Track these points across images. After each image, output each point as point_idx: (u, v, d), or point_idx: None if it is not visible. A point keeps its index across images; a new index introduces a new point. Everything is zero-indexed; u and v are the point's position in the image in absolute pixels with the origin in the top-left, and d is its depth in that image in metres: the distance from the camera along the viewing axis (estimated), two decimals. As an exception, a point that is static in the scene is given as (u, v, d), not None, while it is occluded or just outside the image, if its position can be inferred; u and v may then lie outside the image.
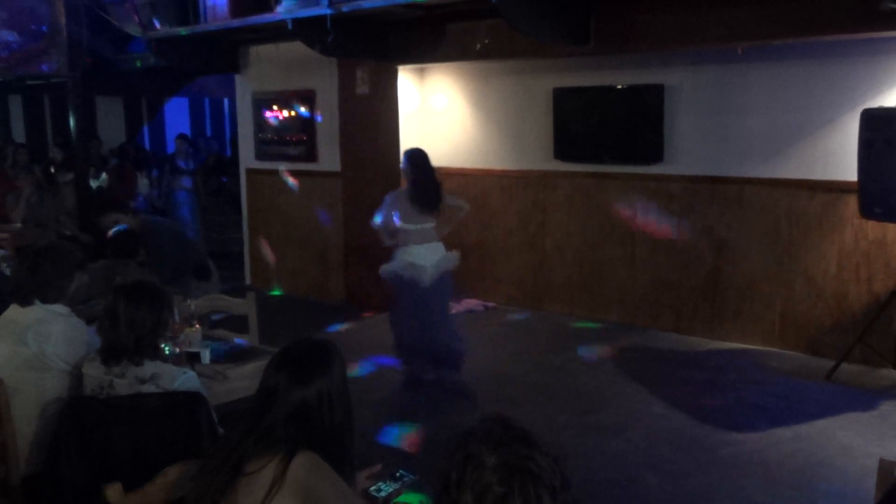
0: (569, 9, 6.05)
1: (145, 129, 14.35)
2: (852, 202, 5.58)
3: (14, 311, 3.17)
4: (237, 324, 4.56)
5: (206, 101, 14.94)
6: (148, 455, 2.60)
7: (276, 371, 2.14)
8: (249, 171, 8.88)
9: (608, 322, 7.17)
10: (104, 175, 9.95)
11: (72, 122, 9.34)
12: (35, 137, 12.75)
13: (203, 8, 7.86)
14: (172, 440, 2.65)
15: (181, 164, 10.70)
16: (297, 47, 7.29)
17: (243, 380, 3.34)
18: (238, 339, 4.09)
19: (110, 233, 5.23)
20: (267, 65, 8.48)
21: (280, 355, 2.20)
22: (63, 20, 9.08)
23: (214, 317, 4.65)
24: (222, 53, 8.61)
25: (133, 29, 8.90)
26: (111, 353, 2.79)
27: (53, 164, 9.75)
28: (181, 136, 11.21)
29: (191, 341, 3.64)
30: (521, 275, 7.82)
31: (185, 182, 10.66)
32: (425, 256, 5.26)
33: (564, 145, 7.34)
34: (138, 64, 10.07)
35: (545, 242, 7.62)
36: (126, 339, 2.76)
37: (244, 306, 4.48)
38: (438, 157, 8.31)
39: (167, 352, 3.28)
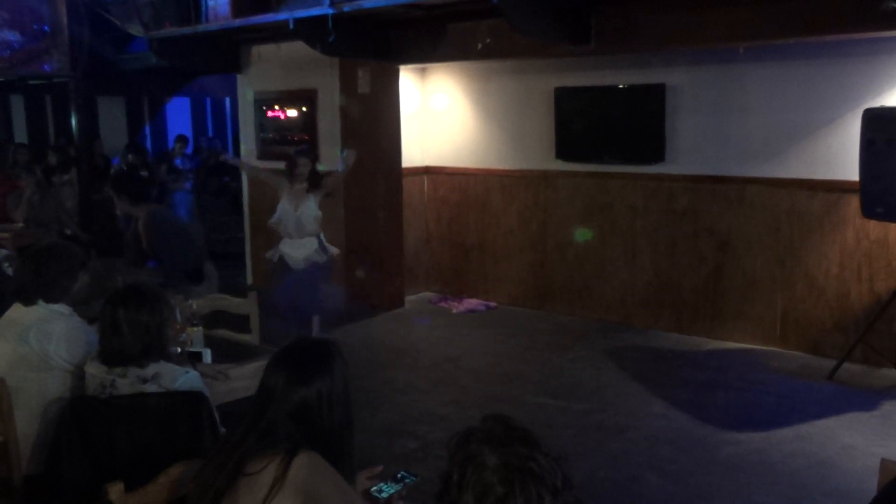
0: (569, 9, 6.05)
1: (147, 129, 14.36)
2: (854, 202, 5.58)
3: (16, 310, 3.17)
4: (238, 323, 4.56)
5: (208, 100, 14.94)
6: (150, 455, 2.60)
7: (276, 370, 2.13)
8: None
9: (609, 322, 7.17)
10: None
11: (73, 121, 9.35)
12: (37, 137, 12.77)
13: (204, 8, 7.86)
14: (174, 440, 2.65)
15: (178, 163, 10.69)
16: (298, 47, 7.29)
17: (244, 379, 3.34)
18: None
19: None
20: (268, 65, 8.48)
21: (281, 354, 2.19)
22: (64, 20, 9.09)
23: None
24: (223, 53, 8.61)
25: (134, 29, 8.90)
26: (115, 360, 2.77)
27: (49, 166, 9.77)
28: (180, 138, 11.22)
29: (192, 341, 3.65)
30: (522, 274, 7.82)
31: (184, 182, 10.66)
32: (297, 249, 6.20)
33: (566, 145, 7.34)
34: (149, 63, 10.06)
35: (546, 242, 7.62)
36: (132, 347, 2.75)
37: (245, 306, 4.47)
38: (439, 156, 8.36)
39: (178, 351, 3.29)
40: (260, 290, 5.99)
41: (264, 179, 6.83)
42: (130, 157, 10.85)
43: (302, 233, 6.12)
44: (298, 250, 6.14)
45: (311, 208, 6.11)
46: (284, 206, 6.10)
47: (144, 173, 10.01)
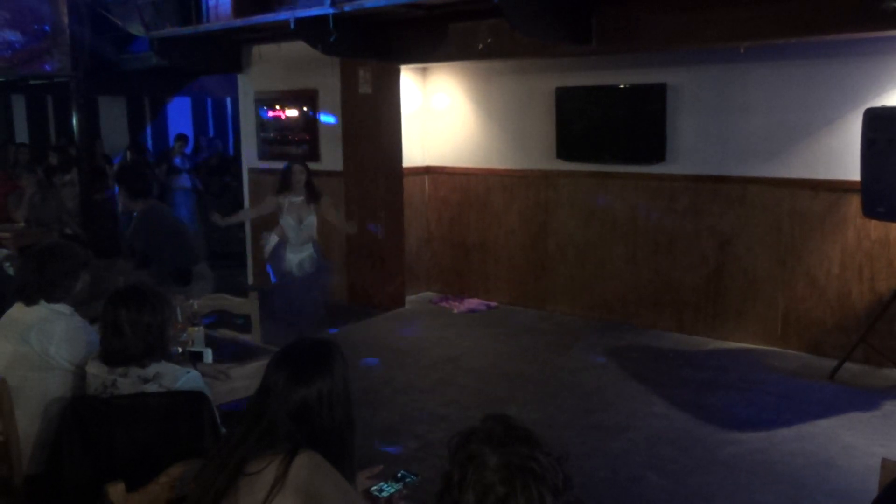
0: (570, 8, 6.05)
1: (148, 129, 14.37)
2: (855, 201, 5.58)
3: (18, 309, 3.17)
4: (239, 323, 4.56)
5: (209, 100, 14.95)
6: (150, 454, 2.60)
7: (276, 370, 2.13)
8: (252, 171, 8.89)
9: (610, 322, 7.17)
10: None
11: (74, 121, 9.36)
12: (38, 137, 12.78)
13: (205, 7, 7.87)
14: (175, 439, 2.65)
15: (177, 162, 10.68)
16: (299, 47, 7.30)
17: (245, 379, 3.34)
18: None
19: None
20: (269, 64, 8.49)
21: (281, 354, 2.19)
22: (66, 20, 9.09)
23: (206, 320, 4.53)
24: (225, 53, 8.61)
25: (135, 28, 8.91)
26: (117, 360, 2.77)
27: (50, 166, 9.78)
28: (180, 137, 11.21)
29: (193, 340, 3.65)
30: (522, 274, 7.82)
31: (184, 182, 10.65)
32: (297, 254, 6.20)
33: (567, 145, 7.34)
34: (150, 63, 10.07)
35: (547, 242, 7.62)
36: (134, 347, 2.75)
37: (246, 306, 4.48)
38: (440, 156, 8.36)
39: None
40: (260, 290, 5.99)
41: (265, 211, 6.56)
42: (129, 154, 10.87)
43: (304, 241, 6.13)
44: (299, 255, 6.15)
45: (313, 220, 6.13)
46: (288, 220, 6.07)
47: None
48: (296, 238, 6.11)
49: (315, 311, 6.25)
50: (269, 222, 6.53)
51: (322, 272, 6.28)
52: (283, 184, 6.11)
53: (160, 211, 5.70)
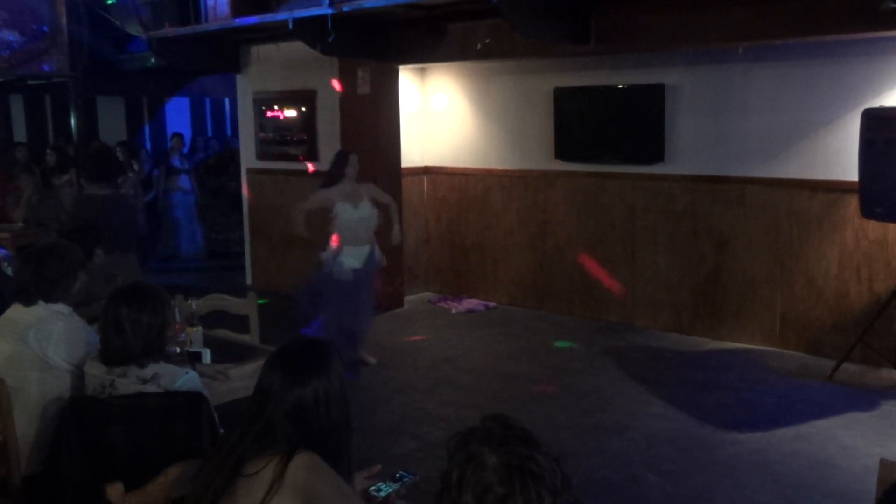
0: (569, 8, 6.05)
1: (146, 129, 14.37)
2: (853, 202, 5.58)
3: (16, 310, 3.17)
4: (237, 324, 4.56)
5: (207, 100, 14.95)
6: (149, 455, 2.60)
7: (272, 370, 2.13)
8: (250, 171, 8.89)
9: (609, 322, 7.17)
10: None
11: (73, 121, 9.36)
12: (36, 137, 12.78)
13: (204, 8, 7.87)
14: (173, 440, 2.65)
15: (176, 162, 10.65)
16: (297, 47, 7.30)
17: (244, 379, 3.34)
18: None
19: None
20: (268, 65, 8.49)
21: (277, 354, 2.19)
22: (64, 20, 9.11)
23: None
24: (223, 53, 8.61)
25: (134, 29, 8.91)
26: (117, 359, 2.77)
27: (48, 167, 9.78)
28: (176, 134, 11.20)
29: (192, 341, 3.65)
30: (521, 274, 7.82)
31: (182, 182, 10.60)
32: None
33: (565, 145, 7.34)
34: (149, 63, 10.07)
35: (546, 242, 7.62)
36: (134, 346, 2.75)
37: (245, 306, 4.48)
38: (439, 156, 8.36)
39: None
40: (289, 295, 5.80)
41: (313, 205, 5.92)
42: (118, 150, 10.88)
43: (362, 238, 5.78)
44: (356, 257, 5.79)
45: (372, 211, 5.82)
46: (345, 207, 5.66)
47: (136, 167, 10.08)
48: (351, 233, 5.68)
49: (364, 323, 6.08)
50: (316, 243, 6.02)
51: (373, 270, 5.96)
52: (336, 174, 5.74)
53: (91, 199, 5.39)
